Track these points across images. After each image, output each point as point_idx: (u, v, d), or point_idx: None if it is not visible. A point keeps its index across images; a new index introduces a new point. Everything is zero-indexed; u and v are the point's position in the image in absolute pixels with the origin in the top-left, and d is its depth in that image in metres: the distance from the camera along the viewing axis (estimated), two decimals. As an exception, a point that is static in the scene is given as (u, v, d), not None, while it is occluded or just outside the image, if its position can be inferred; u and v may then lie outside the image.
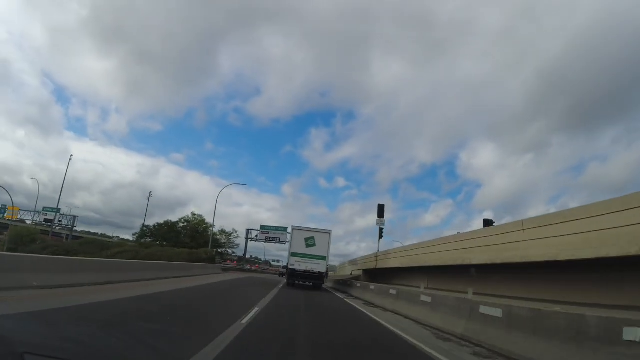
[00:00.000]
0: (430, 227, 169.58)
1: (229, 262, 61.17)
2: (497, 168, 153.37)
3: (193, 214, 57.66)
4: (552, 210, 73.03)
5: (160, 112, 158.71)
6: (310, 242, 23.20)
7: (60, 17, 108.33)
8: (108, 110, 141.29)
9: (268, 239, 64.00)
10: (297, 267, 22.47)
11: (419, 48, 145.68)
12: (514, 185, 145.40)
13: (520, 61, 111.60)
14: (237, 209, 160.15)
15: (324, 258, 22.75)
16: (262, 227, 64.77)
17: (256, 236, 63.98)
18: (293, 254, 22.86)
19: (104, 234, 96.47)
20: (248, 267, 68.04)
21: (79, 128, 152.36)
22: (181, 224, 52.66)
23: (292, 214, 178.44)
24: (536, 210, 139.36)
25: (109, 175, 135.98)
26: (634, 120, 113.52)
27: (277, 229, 64.07)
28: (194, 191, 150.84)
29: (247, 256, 72.08)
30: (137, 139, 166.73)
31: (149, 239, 47.75)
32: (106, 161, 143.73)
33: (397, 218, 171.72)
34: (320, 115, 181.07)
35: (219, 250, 60.20)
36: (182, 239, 47.25)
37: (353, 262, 44.16)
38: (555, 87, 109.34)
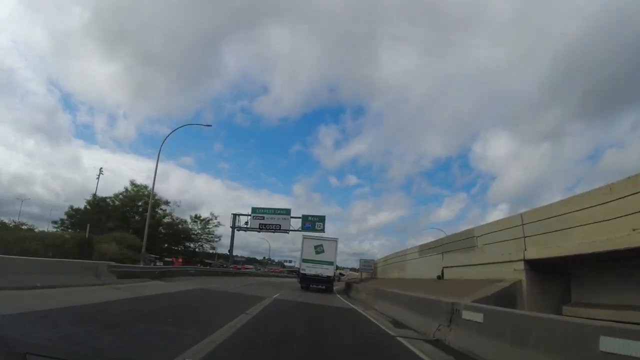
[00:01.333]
0: (445, 222, 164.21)
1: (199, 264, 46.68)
2: (512, 159, 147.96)
3: (132, 183, 38.50)
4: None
5: (167, 115, 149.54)
6: (319, 249, 25.88)
7: (63, 21, 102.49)
8: (115, 116, 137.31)
9: (263, 227, 45.32)
10: (307, 271, 25.16)
11: (429, 37, 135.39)
12: (529, 177, 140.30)
13: (535, 47, 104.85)
14: (248, 210, 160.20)
15: (331, 263, 25.45)
16: (254, 209, 46.20)
17: (246, 223, 45.31)
18: (304, 260, 25.57)
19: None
20: (232, 269, 48.44)
21: (87, 135, 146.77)
22: (113, 200, 33.96)
23: (304, 214, 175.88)
24: (552, 200, 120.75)
25: (120, 182, 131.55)
26: None
27: (274, 211, 45.61)
28: (204, 194, 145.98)
29: (246, 256, 56.57)
30: (146, 144, 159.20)
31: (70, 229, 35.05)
32: (117, 167, 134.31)
33: (411, 214, 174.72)
34: (329, 112, 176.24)
35: (193, 247, 42.33)
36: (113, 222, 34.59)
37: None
38: (571, 72, 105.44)
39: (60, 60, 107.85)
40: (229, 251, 47.35)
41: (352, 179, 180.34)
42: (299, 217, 46.12)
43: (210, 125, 79.46)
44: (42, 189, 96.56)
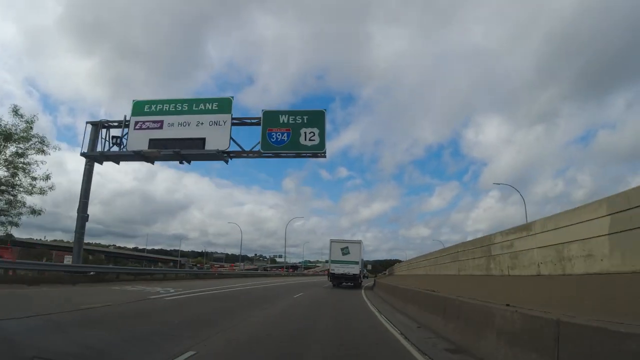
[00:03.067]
0: (436, 211, 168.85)
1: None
2: (504, 144, 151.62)
3: None
4: (560, 184, 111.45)
5: None
6: (345, 251, 28.35)
7: (36, 18, 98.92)
8: (97, 115, 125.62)
9: (165, 146, 21.50)
10: (336, 271, 28.13)
11: (423, 16, 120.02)
12: (520, 161, 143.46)
13: (531, 24, 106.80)
14: (239, 208, 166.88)
15: (357, 263, 28.17)
16: (139, 106, 23.05)
17: (117, 142, 21.93)
18: (332, 261, 28.60)
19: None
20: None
21: (70, 137, 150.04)
22: None
23: (295, 210, 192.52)
24: (543, 186, 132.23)
25: (107, 185, 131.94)
26: None
27: (188, 105, 22.51)
28: (194, 193, 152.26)
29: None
30: None
31: None
32: (102, 170, 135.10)
33: (403, 204, 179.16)
34: (318, 101, 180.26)
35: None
36: None
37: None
38: (566, 50, 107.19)
39: (36, 59, 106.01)
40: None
41: (343, 171, 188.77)
42: (254, 120, 23.82)
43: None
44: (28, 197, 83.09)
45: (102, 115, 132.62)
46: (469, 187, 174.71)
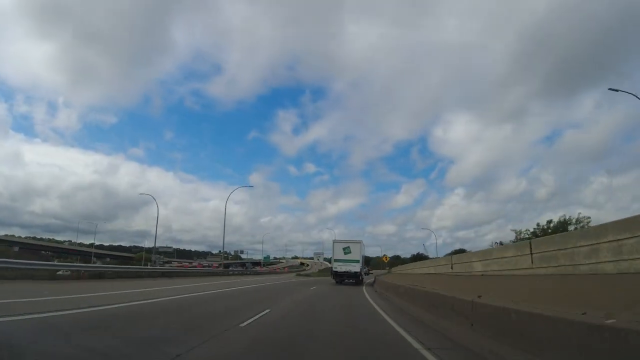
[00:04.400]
0: (403, 208, 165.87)
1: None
2: (472, 142, 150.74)
3: None
4: (524, 182, 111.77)
5: (113, 101, 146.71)
6: (346, 250, 30.65)
7: None
8: (55, 104, 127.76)
9: None
10: (338, 269, 30.58)
11: (398, 6, 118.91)
12: (487, 160, 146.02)
13: (505, 19, 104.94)
14: (205, 204, 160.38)
15: (358, 261, 30.47)
16: None
17: None
18: (335, 260, 31.15)
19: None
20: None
21: (27, 127, 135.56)
22: None
23: (262, 205, 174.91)
24: (508, 184, 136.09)
25: (67, 178, 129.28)
26: (613, 82, 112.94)
27: None
28: (158, 188, 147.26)
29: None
30: (92, 135, 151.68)
31: None
32: (62, 163, 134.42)
33: (370, 201, 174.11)
34: (288, 94, 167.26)
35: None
36: None
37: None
38: (538, 48, 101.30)
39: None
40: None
41: (311, 167, 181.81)
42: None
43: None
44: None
45: (60, 104, 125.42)
46: (435, 185, 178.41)
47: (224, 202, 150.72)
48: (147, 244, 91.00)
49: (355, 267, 30.18)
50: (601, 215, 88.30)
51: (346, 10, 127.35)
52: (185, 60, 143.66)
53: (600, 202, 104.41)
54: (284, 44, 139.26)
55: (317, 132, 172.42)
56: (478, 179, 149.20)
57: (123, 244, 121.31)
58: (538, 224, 40.87)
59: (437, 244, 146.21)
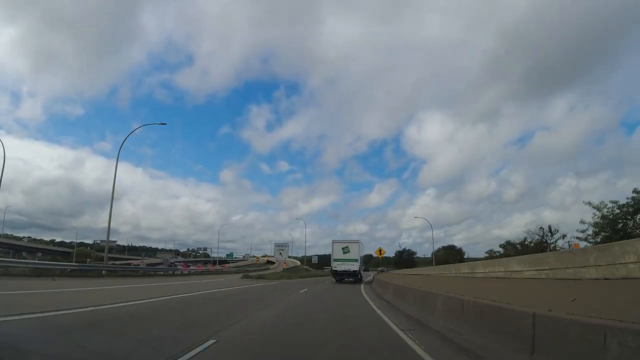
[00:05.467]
0: (375, 207, 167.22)
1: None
2: (445, 141, 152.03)
3: None
4: (494, 184, 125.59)
5: (79, 92, 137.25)
6: (345, 250, 31.78)
7: None
8: (19, 94, 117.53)
9: None
10: (338, 268, 31.61)
11: (379, 3, 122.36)
12: (459, 160, 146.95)
13: (486, 18, 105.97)
14: (175, 201, 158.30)
15: (356, 260, 31.56)
16: None
17: None
18: (335, 260, 31.95)
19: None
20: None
21: None
22: None
23: (233, 203, 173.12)
24: (478, 185, 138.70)
25: (31, 172, 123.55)
26: (586, 85, 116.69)
27: None
28: (126, 184, 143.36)
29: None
30: (57, 127, 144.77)
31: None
32: (27, 156, 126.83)
33: (343, 200, 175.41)
34: (262, 88, 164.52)
35: None
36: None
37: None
38: (515, 49, 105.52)
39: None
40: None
41: (284, 165, 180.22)
42: None
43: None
44: None
45: (24, 94, 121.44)
46: (407, 185, 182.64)
47: (194, 200, 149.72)
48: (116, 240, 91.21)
49: (354, 266, 31.39)
50: (568, 216, 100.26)
51: (325, 2, 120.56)
52: (155, 50, 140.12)
53: (567, 204, 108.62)
54: (259, 35, 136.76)
55: (290, 129, 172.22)
56: (449, 180, 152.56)
57: (87, 241, 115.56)
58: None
59: (407, 244, 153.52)
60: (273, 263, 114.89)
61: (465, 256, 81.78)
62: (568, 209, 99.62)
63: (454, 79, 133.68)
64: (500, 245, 52.46)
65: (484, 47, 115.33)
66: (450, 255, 76.13)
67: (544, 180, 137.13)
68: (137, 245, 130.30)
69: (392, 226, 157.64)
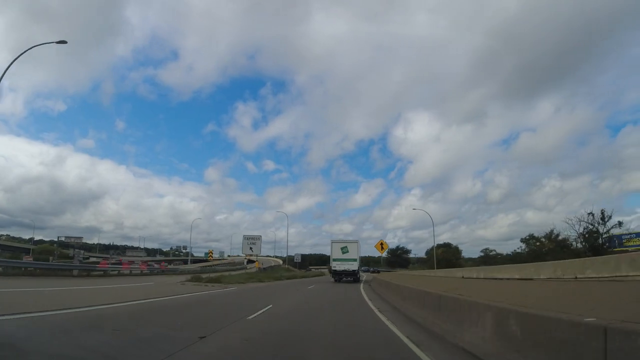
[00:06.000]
0: (361, 207, 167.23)
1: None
2: (431, 142, 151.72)
3: None
4: (479, 184, 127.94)
5: (61, 87, 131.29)
6: (344, 250, 32.19)
7: None
8: None
9: None
10: (337, 267, 32.05)
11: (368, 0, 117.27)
12: (444, 160, 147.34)
13: (475, 18, 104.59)
14: (159, 200, 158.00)
15: (355, 260, 32.26)
16: None
17: None
18: (334, 259, 32.45)
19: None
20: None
21: None
22: None
23: (218, 202, 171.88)
24: (463, 185, 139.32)
25: (12, 169, 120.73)
26: (572, 87, 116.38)
27: None
28: (109, 183, 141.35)
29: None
30: (39, 123, 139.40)
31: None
32: (7, 153, 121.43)
33: (329, 200, 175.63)
34: (248, 85, 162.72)
35: None
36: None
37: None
38: (503, 49, 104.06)
39: None
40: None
41: (270, 164, 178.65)
42: None
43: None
44: None
45: (5, 88, 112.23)
46: (393, 185, 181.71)
47: (179, 198, 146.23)
48: (97, 240, 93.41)
49: (353, 266, 32.00)
50: (551, 217, 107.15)
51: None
52: (140, 45, 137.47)
53: (550, 205, 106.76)
54: (246, 31, 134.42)
55: (277, 127, 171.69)
56: (435, 180, 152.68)
57: (93, 242, 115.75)
58: None
59: (393, 244, 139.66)
60: (253, 262, 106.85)
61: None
62: (551, 210, 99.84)
63: (441, 79, 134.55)
64: (523, 240, 48.09)
65: (471, 46, 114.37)
66: (451, 253, 69.46)
67: (528, 181, 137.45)
68: (118, 244, 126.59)
69: (378, 226, 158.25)
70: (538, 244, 42.64)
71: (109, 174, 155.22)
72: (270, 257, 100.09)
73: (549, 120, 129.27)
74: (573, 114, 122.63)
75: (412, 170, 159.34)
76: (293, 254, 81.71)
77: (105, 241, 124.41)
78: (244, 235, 40.25)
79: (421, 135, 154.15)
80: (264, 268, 56.27)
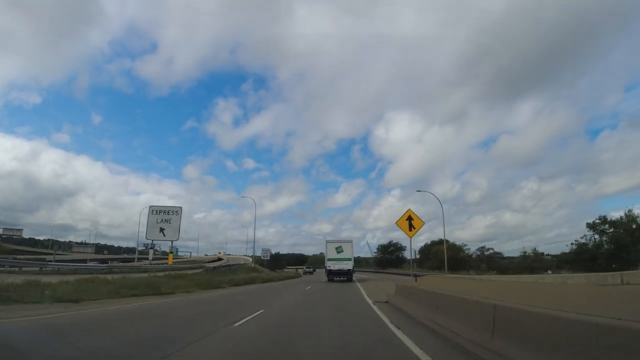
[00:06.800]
0: (340, 207, 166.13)
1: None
2: (412, 142, 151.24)
3: None
4: (458, 186, 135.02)
5: (34, 78, 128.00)
6: (339, 249, 32.72)
7: None
8: None
9: None
10: (332, 267, 32.51)
11: None
12: (425, 161, 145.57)
13: (461, 17, 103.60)
14: (135, 197, 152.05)
15: (350, 259, 32.86)
16: None
17: None
18: (329, 259, 32.85)
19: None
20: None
21: None
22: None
23: (197, 201, 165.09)
24: (442, 186, 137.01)
25: None
26: (553, 90, 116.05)
27: None
28: (85, 179, 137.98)
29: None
30: (12, 116, 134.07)
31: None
32: None
33: (309, 200, 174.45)
34: (229, 80, 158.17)
35: None
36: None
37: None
38: (487, 50, 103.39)
39: None
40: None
41: (250, 163, 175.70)
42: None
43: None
44: None
45: None
46: (373, 185, 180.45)
47: (157, 196, 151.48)
48: (71, 238, 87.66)
49: (348, 265, 32.45)
50: (527, 219, 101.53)
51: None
52: (117, 35, 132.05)
53: (527, 207, 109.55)
54: (227, 23, 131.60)
55: (258, 124, 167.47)
56: (415, 181, 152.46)
57: (40, 238, 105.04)
58: None
59: (373, 244, 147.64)
60: (221, 259, 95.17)
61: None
62: (528, 212, 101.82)
63: (423, 79, 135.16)
64: (592, 225, 38.56)
65: (455, 47, 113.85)
66: (457, 250, 58.05)
67: (507, 183, 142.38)
68: (91, 242, 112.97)
69: (358, 226, 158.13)
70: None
71: (85, 170, 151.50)
72: (242, 255, 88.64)
73: (529, 122, 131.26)
74: (553, 117, 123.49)
75: (392, 170, 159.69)
76: (271, 252, 69.77)
77: (82, 238, 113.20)
78: (150, 207, 27.50)
79: (402, 136, 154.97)
80: (213, 268, 42.60)
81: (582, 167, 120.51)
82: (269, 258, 61.49)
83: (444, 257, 40.54)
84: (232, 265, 51.09)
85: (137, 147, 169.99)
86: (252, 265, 49.71)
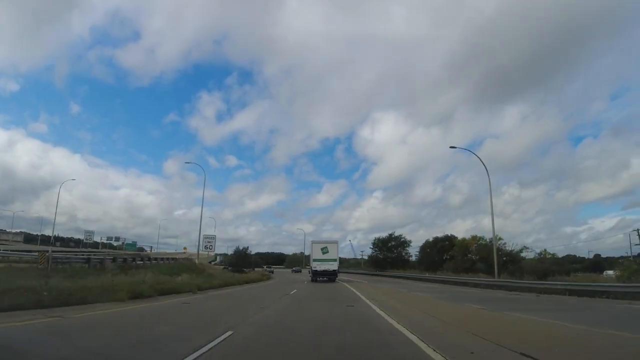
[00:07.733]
0: (322, 207, 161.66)
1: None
2: (396, 143, 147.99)
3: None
4: (440, 189, 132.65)
5: (12, 65, 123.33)
6: (324, 250, 33.41)
7: None
8: None
9: None
10: (318, 268, 33.02)
11: None
12: (408, 163, 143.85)
13: (452, 17, 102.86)
14: (114, 192, 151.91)
15: (335, 260, 33.67)
16: None
17: None
18: (314, 260, 33.63)
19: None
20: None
21: None
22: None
23: (177, 197, 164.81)
24: (424, 189, 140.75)
25: None
26: (541, 95, 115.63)
27: None
28: (62, 171, 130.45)
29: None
30: None
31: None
32: None
33: (291, 199, 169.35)
34: (213, 73, 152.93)
35: None
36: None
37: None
38: (478, 51, 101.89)
39: None
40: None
41: (233, 160, 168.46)
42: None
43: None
44: None
45: None
46: (356, 186, 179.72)
47: (136, 191, 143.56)
48: (48, 232, 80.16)
49: (333, 266, 33.04)
50: (507, 224, 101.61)
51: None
52: (98, 21, 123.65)
53: (507, 212, 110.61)
54: (213, 13, 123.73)
55: (241, 121, 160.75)
56: (398, 183, 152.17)
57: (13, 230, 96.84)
58: None
59: (354, 245, 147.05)
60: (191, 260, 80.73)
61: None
62: (508, 217, 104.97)
63: (412, 79, 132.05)
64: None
65: (446, 47, 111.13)
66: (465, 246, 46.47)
67: (488, 188, 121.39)
68: (65, 237, 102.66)
69: (339, 227, 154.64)
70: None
71: (63, 162, 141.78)
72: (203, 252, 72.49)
73: (515, 127, 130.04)
74: (539, 122, 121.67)
75: (375, 171, 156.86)
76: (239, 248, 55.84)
77: (57, 232, 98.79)
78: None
79: (388, 137, 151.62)
80: (113, 259, 26.96)
81: (563, 174, 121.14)
82: (227, 252, 47.77)
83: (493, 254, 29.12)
84: (164, 259, 37.01)
85: (117, 139, 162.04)
86: (196, 261, 34.79)
